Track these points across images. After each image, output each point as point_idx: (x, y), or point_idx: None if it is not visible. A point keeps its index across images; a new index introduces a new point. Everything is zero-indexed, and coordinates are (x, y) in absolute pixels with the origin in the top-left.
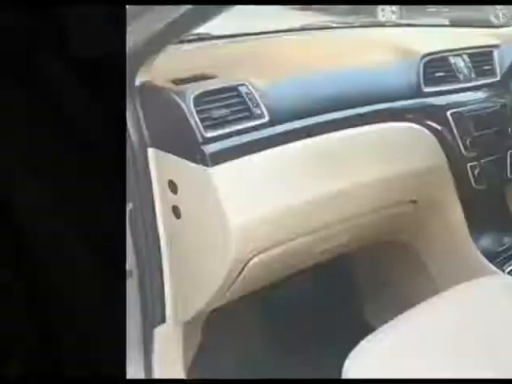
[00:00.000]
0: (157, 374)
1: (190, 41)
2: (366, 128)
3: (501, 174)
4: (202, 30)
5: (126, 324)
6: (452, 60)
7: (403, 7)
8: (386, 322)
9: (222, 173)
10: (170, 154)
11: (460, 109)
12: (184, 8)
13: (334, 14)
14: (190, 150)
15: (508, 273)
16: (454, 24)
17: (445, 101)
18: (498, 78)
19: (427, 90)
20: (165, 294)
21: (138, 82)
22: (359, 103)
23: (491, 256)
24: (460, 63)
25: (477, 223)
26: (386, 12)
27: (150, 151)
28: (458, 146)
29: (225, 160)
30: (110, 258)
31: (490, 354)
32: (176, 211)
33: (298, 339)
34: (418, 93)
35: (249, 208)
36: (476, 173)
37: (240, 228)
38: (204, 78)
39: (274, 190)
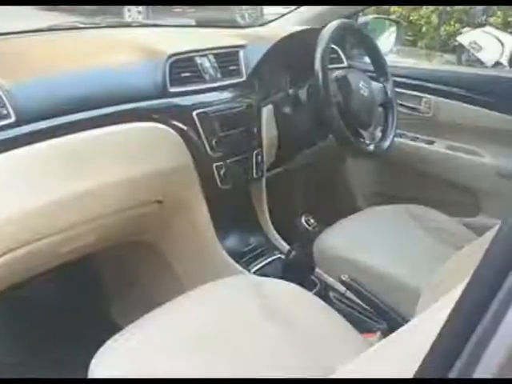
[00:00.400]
0: None
1: None
2: (112, 128)
3: (246, 174)
4: None
5: None
6: (198, 60)
7: (150, 8)
8: (133, 321)
9: None
10: None
11: (206, 109)
12: None
13: (81, 14)
14: None
15: (254, 272)
16: (201, 24)
17: (191, 101)
18: (244, 79)
19: (173, 90)
20: None
21: None
22: (105, 104)
23: (237, 256)
24: (206, 63)
25: (223, 223)
26: (132, 12)
27: None
28: (204, 146)
29: None
30: None
31: (235, 353)
32: None
33: (44, 339)
34: (163, 93)
35: None
36: (222, 173)
37: None
38: None
39: (20, 190)
